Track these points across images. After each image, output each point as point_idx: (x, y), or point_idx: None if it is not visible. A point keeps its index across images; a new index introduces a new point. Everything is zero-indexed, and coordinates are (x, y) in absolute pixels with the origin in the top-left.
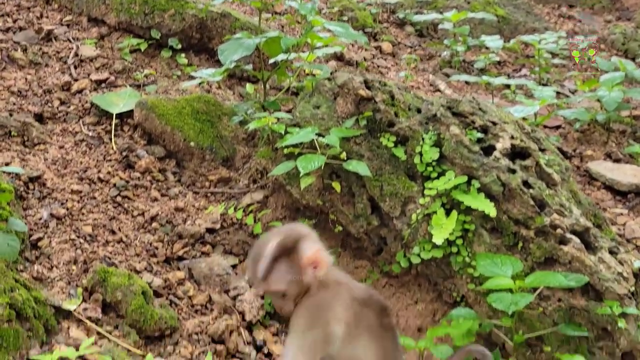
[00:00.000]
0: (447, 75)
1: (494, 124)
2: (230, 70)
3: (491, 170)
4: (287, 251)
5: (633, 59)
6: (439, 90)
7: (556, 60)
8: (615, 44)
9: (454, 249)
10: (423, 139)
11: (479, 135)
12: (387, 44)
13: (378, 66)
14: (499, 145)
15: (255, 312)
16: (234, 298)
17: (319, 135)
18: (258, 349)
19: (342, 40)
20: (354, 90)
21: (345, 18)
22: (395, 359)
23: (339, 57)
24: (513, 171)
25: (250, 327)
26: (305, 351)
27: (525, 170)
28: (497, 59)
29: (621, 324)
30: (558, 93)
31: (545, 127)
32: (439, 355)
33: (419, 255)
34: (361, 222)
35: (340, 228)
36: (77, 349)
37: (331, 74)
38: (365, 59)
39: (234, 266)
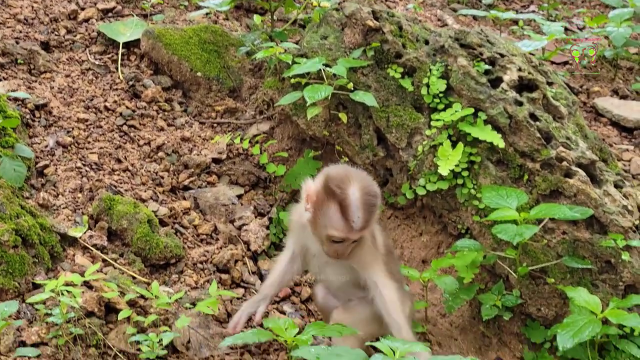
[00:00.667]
0: (455, 11)
1: (502, 56)
2: (237, 1)
3: (498, 102)
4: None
5: None
6: (446, 25)
7: None
8: None
9: (460, 181)
10: (430, 70)
11: (487, 67)
12: None
13: (386, 0)
14: (506, 77)
15: (260, 242)
16: (239, 228)
17: (326, 65)
18: (262, 278)
19: None
20: (361, 20)
21: None
22: None
23: None
24: (520, 103)
25: (255, 256)
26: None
27: (532, 102)
28: None
29: (625, 256)
30: (566, 29)
31: (552, 63)
32: (442, 286)
33: (424, 187)
34: (367, 154)
35: (346, 159)
36: (82, 276)
37: (339, 4)
38: None
39: (239, 196)
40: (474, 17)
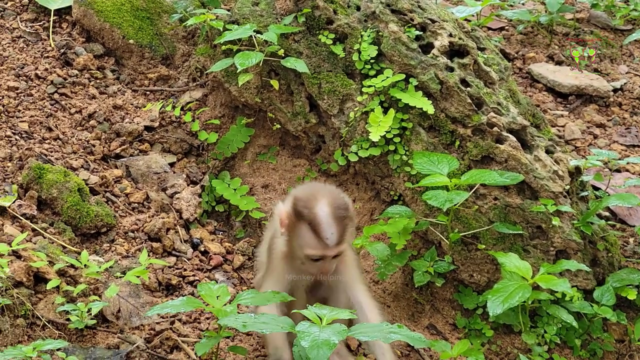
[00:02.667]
0: None
1: (433, 21)
2: None
3: (429, 68)
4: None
5: None
6: None
7: None
8: None
9: (392, 147)
10: (362, 36)
11: (418, 32)
12: None
13: None
14: (437, 43)
15: (192, 210)
16: (172, 196)
17: (257, 32)
18: (195, 246)
19: None
20: None
21: None
22: None
23: None
24: (451, 69)
25: (187, 225)
26: None
27: (464, 68)
28: None
29: (555, 222)
30: None
31: (489, 28)
32: (374, 253)
33: (356, 153)
34: (299, 120)
35: (279, 126)
36: (9, 245)
37: None
38: None
39: (172, 164)
40: None
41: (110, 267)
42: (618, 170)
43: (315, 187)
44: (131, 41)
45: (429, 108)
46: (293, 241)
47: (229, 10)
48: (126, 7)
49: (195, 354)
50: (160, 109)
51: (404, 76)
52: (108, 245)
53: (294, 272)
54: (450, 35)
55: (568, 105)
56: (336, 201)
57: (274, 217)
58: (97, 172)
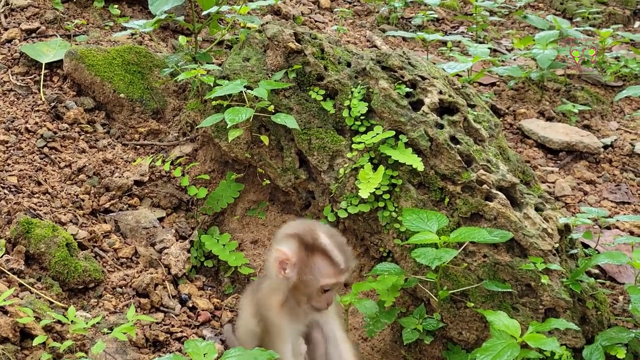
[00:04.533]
0: (384, 32)
1: (423, 78)
2: (163, 22)
3: (419, 125)
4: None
5: (570, 19)
6: (375, 46)
7: (494, 18)
8: (554, 3)
9: (381, 204)
10: (352, 92)
11: (408, 89)
12: None
13: (315, 21)
14: (427, 100)
15: (181, 265)
16: (160, 251)
17: (248, 87)
18: (183, 302)
19: None
20: (283, 42)
21: None
22: None
23: (275, 12)
24: (441, 126)
25: (175, 280)
26: None
27: (453, 125)
28: (436, 16)
29: (544, 280)
30: (495, 50)
31: (480, 84)
32: (363, 310)
33: (346, 209)
34: (289, 176)
35: (269, 182)
36: None
37: (262, 26)
38: (302, 14)
39: (161, 219)
40: (403, 39)
41: (97, 323)
42: (608, 228)
43: (305, 222)
44: (122, 95)
45: (419, 165)
46: (303, 277)
47: (220, 65)
48: (117, 61)
49: None
50: (150, 163)
51: (394, 133)
52: (96, 300)
53: (294, 319)
54: (440, 92)
55: (558, 162)
56: (330, 230)
57: (254, 286)
58: (85, 226)
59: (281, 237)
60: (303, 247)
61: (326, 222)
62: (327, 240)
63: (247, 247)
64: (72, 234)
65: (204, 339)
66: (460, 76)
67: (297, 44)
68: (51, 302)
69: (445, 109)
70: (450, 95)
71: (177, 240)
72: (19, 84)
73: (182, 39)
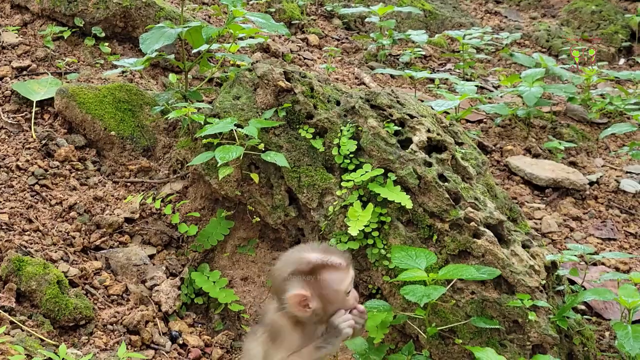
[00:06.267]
0: (373, 69)
1: (412, 117)
2: (154, 60)
3: (407, 163)
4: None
5: (556, 56)
6: (363, 83)
7: (481, 55)
8: (540, 41)
9: (370, 241)
10: (341, 131)
11: (397, 128)
12: (314, 36)
13: (304, 58)
14: (415, 139)
15: (171, 302)
16: (151, 288)
17: (238, 126)
18: (173, 339)
19: (267, 32)
20: (273, 81)
21: (272, 10)
22: None
23: (265, 49)
24: (429, 164)
25: (166, 317)
26: None
27: (441, 163)
28: (423, 53)
29: (532, 316)
30: (481, 88)
31: (467, 121)
32: (352, 347)
33: (335, 247)
34: (279, 214)
35: (258, 219)
36: None
37: (252, 64)
38: (291, 51)
39: (151, 256)
40: (391, 76)
41: None
42: (594, 264)
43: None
44: (113, 133)
45: (407, 203)
46: (326, 298)
47: (210, 103)
48: (108, 99)
49: None
50: (141, 200)
51: (382, 171)
52: (87, 338)
53: (307, 331)
54: (429, 130)
55: (545, 198)
56: (308, 246)
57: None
58: (76, 264)
59: (281, 284)
60: (306, 276)
61: None
62: (317, 255)
63: (237, 284)
64: (63, 272)
65: None
66: (448, 113)
67: (287, 82)
68: (42, 340)
69: (433, 147)
70: (438, 134)
71: (167, 278)
72: (10, 121)
73: (172, 77)
